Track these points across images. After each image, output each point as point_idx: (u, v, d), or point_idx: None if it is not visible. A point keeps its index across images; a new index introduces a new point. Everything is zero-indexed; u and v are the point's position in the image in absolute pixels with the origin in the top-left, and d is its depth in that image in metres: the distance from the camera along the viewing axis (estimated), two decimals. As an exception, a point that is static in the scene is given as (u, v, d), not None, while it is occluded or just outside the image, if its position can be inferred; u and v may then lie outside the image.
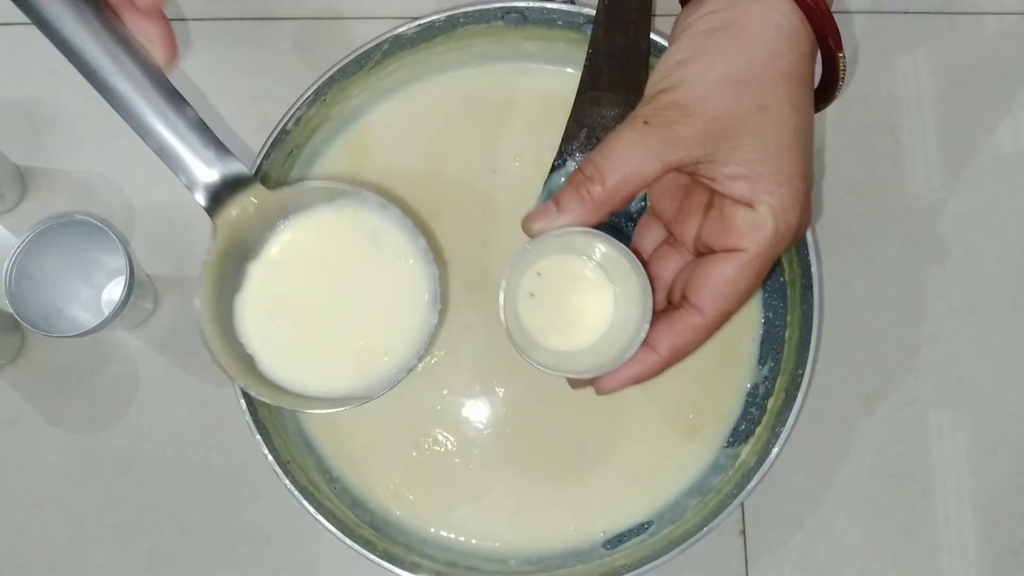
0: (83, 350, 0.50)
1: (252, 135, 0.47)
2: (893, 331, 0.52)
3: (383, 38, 0.46)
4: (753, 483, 0.44)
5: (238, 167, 0.35)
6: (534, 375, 0.47)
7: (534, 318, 0.40)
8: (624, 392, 0.47)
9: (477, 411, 0.48)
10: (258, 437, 0.43)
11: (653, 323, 0.37)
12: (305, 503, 0.43)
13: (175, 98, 0.34)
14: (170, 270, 0.51)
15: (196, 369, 0.50)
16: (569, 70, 0.50)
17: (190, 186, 0.34)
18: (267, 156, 0.45)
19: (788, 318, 0.47)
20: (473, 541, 0.47)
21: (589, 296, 0.40)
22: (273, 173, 0.46)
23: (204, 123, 0.34)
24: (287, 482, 0.43)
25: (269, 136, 0.45)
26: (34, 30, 0.52)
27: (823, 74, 0.38)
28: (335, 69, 0.46)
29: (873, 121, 0.53)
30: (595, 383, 0.39)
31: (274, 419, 0.46)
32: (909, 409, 0.51)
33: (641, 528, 0.47)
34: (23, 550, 0.49)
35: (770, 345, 0.48)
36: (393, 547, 0.45)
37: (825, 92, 0.39)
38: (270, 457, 0.43)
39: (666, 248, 0.41)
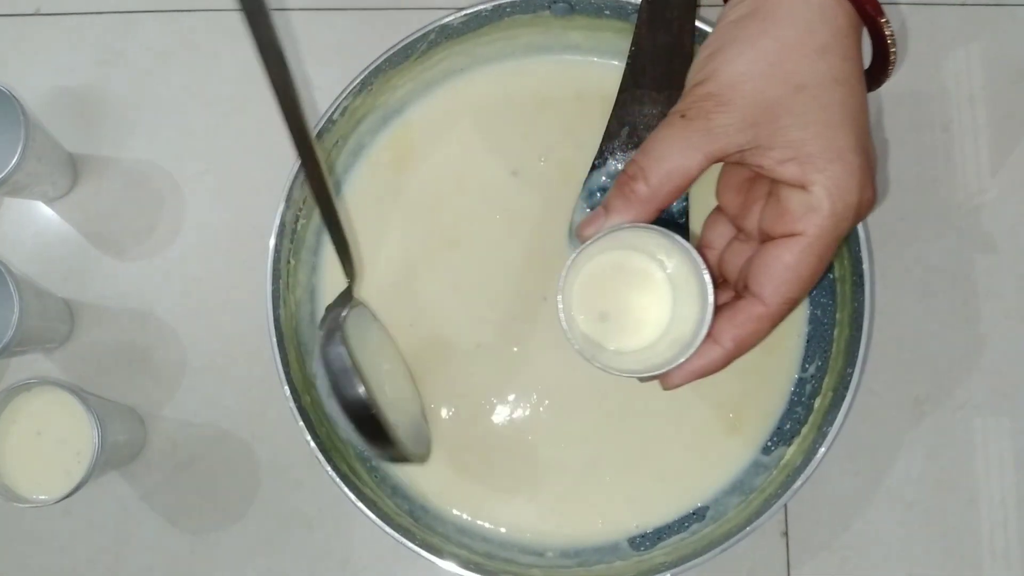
0: (134, 334, 0.51)
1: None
2: (944, 332, 0.51)
3: (430, 27, 0.46)
4: (798, 484, 0.43)
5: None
6: (571, 374, 0.48)
7: (595, 322, 0.40)
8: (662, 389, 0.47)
9: (516, 407, 0.48)
10: (301, 423, 0.44)
11: (716, 315, 0.37)
12: (346, 490, 0.43)
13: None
14: (227, 248, 0.52)
15: (242, 356, 0.51)
16: (615, 63, 0.49)
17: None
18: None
19: (837, 316, 0.46)
20: (505, 531, 0.47)
21: (647, 290, 0.40)
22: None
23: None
24: (329, 469, 0.43)
25: (316, 124, 0.45)
26: (86, 19, 0.53)
27: (872, 45, 0.37)
28: (382, 59, 0.46)
29: (925, 117, 0.52)
30: (661, 379, 0.39)
31: (316, 407, 0.46)
32: (959, 413, 0.50)
33: (681, 526, 0.47)
34: (69, 530, 0.50)
35: (817, 343, 0.47)
36: (431, 536, 0.45)
37: (878, 65, 0.38)
38: (312, 444, 0.44)
39: (735, 244, 0.41)
